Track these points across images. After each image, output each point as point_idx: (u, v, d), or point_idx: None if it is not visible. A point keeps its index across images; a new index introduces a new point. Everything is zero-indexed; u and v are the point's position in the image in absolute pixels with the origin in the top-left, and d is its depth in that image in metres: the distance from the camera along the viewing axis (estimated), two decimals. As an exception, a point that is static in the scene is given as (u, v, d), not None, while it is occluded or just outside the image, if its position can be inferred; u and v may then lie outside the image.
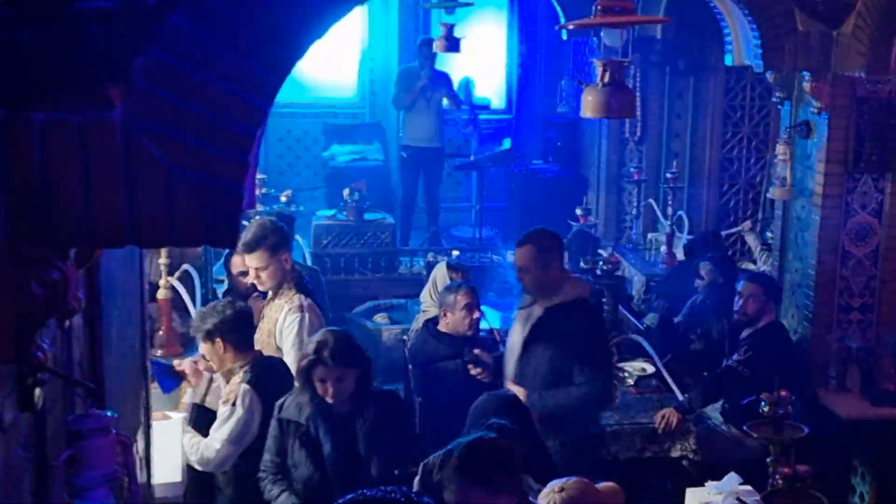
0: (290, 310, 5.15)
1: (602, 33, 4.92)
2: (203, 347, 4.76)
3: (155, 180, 1.81)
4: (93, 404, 2.16)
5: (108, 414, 2.14)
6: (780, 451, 3.84)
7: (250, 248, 5.21)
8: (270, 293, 5.34)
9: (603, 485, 3.52)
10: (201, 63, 1.79)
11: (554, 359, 4.92)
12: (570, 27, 4.29)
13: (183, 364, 4.93)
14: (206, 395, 4.90)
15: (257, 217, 7.47)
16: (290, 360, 5.07)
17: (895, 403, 5.80)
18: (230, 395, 4.53)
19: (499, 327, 7.14)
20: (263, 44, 1.81)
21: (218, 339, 4.59)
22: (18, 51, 1.74)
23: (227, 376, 4.64)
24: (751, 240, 8.37)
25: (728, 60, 6.19)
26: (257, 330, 5.10)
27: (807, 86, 5.81)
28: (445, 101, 10.42)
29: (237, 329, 4.61)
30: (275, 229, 5.32)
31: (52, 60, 1.75)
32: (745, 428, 4.10)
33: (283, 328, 5.14)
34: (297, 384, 4.42)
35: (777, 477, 3.56)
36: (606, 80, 4.06)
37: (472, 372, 5.42)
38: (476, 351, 5.50)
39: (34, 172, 1.80)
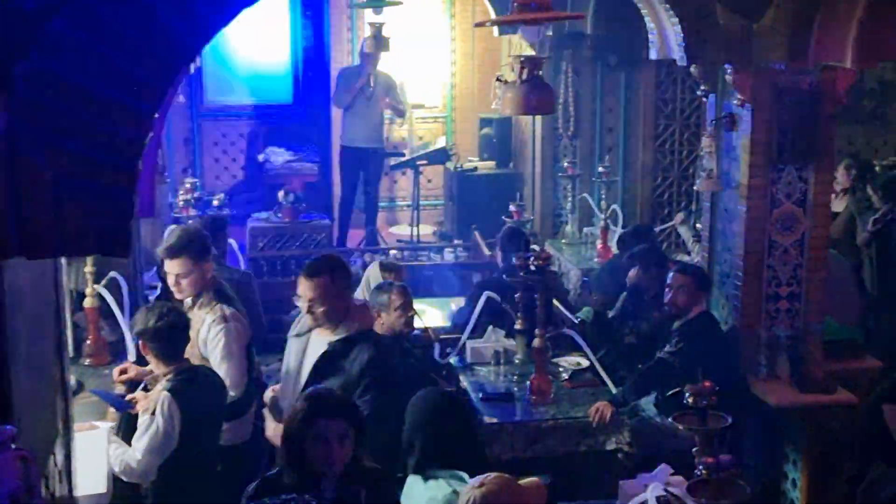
0: (213, 321, 5.08)
1: (519, 30, 4.94)
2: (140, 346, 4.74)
3: (41, 190, 1.77)
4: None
5: (8, 428, 2.10)
6: (704, 441, 3.88)
7: (173, 253, 5.15)
8: (189, 302, 5.27)
9: (526, 480, 3.53)
10: (86, 69, 1.76)
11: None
12: (488, 24, 4.28)
13: (136, 396, 4.85)
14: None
15: (190, 221, 7.44)
16: (223, 372, 5.03)
17: (824, 390, 5.88)
18: (151, 404, 4.47)
19: (434, 326, 7.16)
20: (149, 49, 1.79)
21: (141, 343, 4.57)
22: None
23: (153, 384, 4.60)
24: (684, 231, 8.45)
25: (652, 54, 6.23)
26: None
27: (729, 78, 5.87)
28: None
29: (163, 339, 4.56)
30: (199, 236, 5.26)
31: (-72, 69, 1.72)
32: (669, 419, 4.14)
33: (207, 339, 5.08)
34: (279, 460, 3.83)
35: (701, 467, 3.59)
36: (524, 76, 4.07)
37: None
38: None
39: (-85, 184, 1.76)
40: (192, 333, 5.08)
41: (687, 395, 3.90)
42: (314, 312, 4.82)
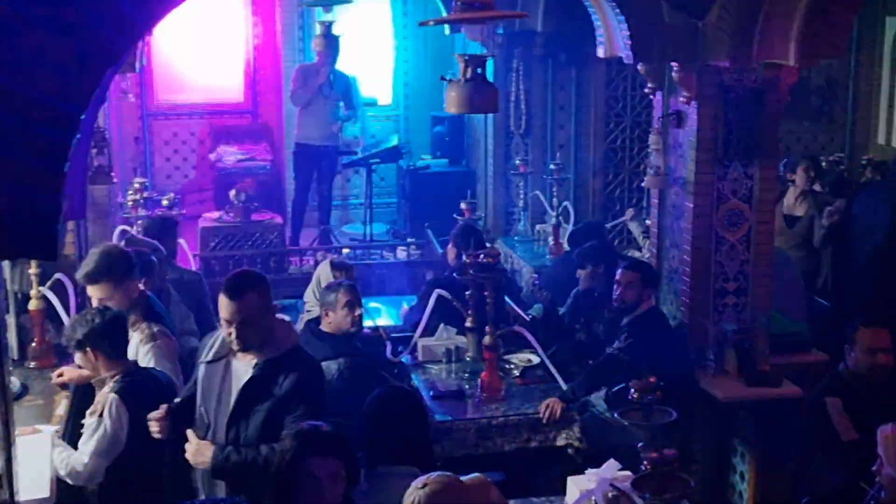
0: (141, 340, 5.00)
1: (463, 29, 4.94)
2: (77, 357, 4.66)
3: (-35, 193, 1.75)
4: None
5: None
6: (649, 436, 3.92)
7: (92, 279, 5.00)
8: None
9: (469, 477, 3.53)
10: (10, 71, 1.74)
11: (270, 416, 4.27)
12: (432, 23, 4.29)
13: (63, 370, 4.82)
14: None
15: (123, 226, 7.37)
16: None
17: (770, 383, 5.96)
18: (97, 406, 4.43)
19: (386, 325, 7.16)
20: (75, 51, 1.77)
21: (88, 349, 4.49)
22: None
23: (100, 386, 4.55)
24: (634, 228, 8.51)
25: (600, 52, 6.28)
26: None
27: (675, 76, 5.93)
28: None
29: (107, 337, 4.51)
30: (120, 257, 5.11)
31: None
32: (615, 415, 4.17)
33: (137, 359, 5.02)
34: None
35: (645, 462, 3.62)
36: (468, 75, 4.08)
37: None
38: None
39: None
40: None
41: (632, 390, 3.92)
42: (242, 336, 4.21)
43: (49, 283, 5.61)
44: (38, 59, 1.76)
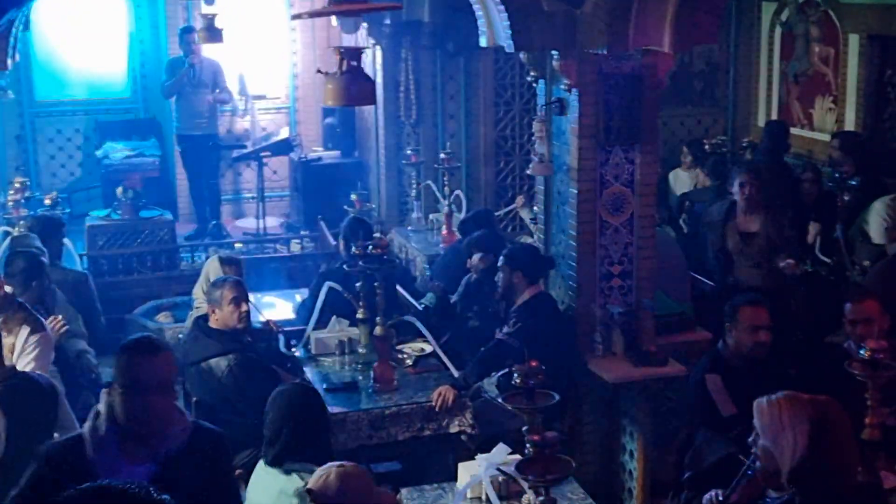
0: (30, 331, 4.97)
1: (337, 21, 4.93)
2: None
3: None
4: None
5: None
6: (531, 419, 3.98)
7: None
8: None
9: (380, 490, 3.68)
10: None
11: None
12: (305, 16, 4.27)
13: None
14: None
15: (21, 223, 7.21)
16: None
17: (656, 363, 6.09)
18: None
19: (279, 318, 7.13)
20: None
21: None
22: None
23: None
24: (524, 214, 8.62)
25: (482, 42, 6.33)
26: None
27: (556, 64, 6.00)
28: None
29: None
30: None
31: None
32: (499, 399, 4.23)
33: (21, 353, 4.93)
34: None
35: (528, 445, 3.68)
36: (345, 67, 4.08)
37: None
38: None
39: None
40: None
41: (516, 375, 3.98)
42: None
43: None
44: None
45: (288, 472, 4.12)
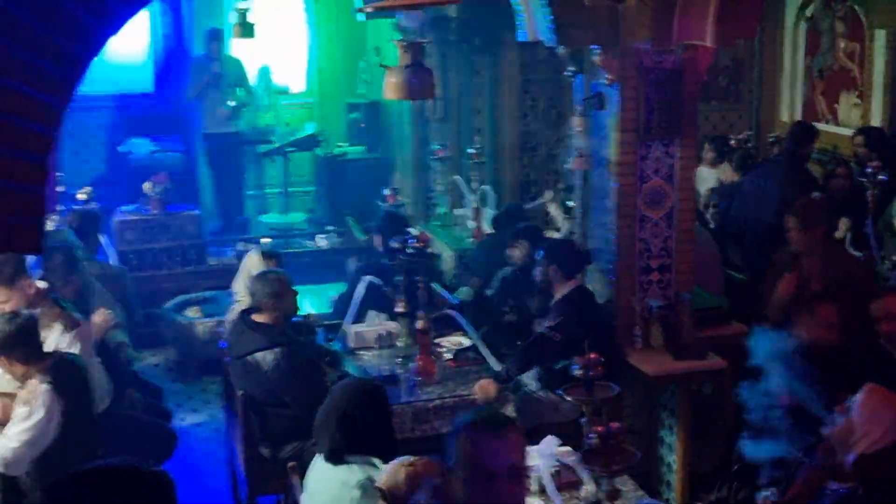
0: (65, 327, 5.00)
1: (400, 16, 4.97)
2: None
3: (-53, 187, 1.73)
4: None
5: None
6: (592, 411, 4.01)
7: None
8: None
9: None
10: (-9, 63, 1.71)
11: None
12: (369, 10, 4.30)
13: None
14: None
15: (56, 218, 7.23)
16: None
17: (695, 356, 6.11)
18: (28, 396, 4.37)
19: (315, 311, 7.16)
20: (57, 42, 1.76)
21: (2, 357, 4.42)
22: None
23: (24, 380, 4.47)
24: (553, 209, 8.63)
25: (521, 36, 6.34)
26: None
27: (597, 59, 6.02)
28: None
29: (22, 343, 4.45)
30: (5, 260, 5.09)
31: None
32: (559, 391, 4.25)
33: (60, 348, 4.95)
34: None
35: (592, 436, 3.71)
36: (407, 61, 4.11)
37: None
38: None
39: None
40: None
41: (576, 367, 4.01)
42: None
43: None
44: (22, 50, 1.74)
45: (349, 464, 4.14)
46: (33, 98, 1.77)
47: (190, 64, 10.50)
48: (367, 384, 4.54)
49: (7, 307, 4.98)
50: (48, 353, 4.63)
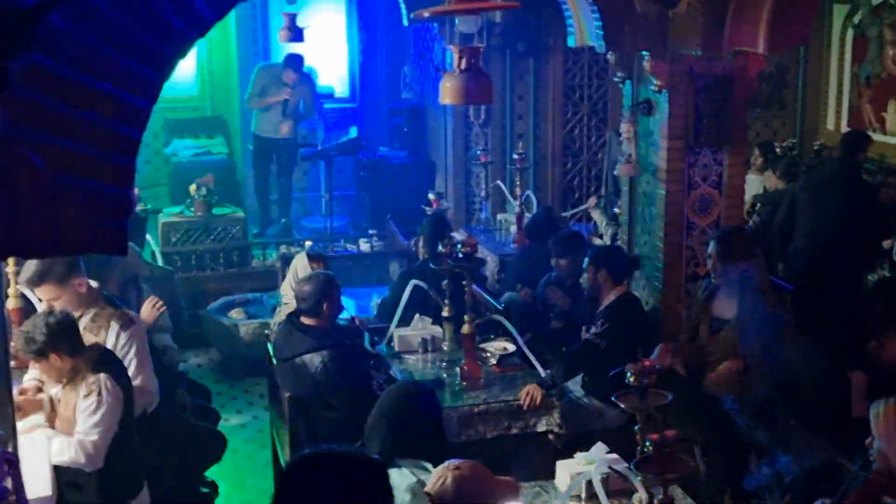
0: (121, 326, 5.00)
1: (457, 20, 4.98)
2: (38, 367, 4.60)
3: (37, 189, 1.75)
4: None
5: (-6, 432, 2.07)
6: (646, 418, 3.99)
7: (35, 282, 4.98)
8: (74, 315, 5.09)
9: (500, 479, 3.65)
10: (82, 65, 1.74)
11: None
12: (426, 15, 4.31)
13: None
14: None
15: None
16: (141, 380, 5.00)
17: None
18: (91, 388, 4.42)
19: (357, 315, 7.17)
20: (146, 44, 1.78)
21: (52, 354, 4.45)
22: None
23: (73, 374, 4.51)
24: (597, 216, 8.61)
25: (571, 42, 6.34)
26: None
27: (646, 65, 6.01)
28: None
29: (66, 337, 4.48)
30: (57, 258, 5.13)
31: (-77, 67, 1.68)
32: (612, 398, 4.24)
33: (116, 348, 4.99)
34: None
35: (646, 444, 3.70)
36: (463, 66, 4.12)
37: None
38: None
39: None
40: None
41: (629, 374, 3.99)
42: None
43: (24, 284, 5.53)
44: (110, 52, 1.76)
45: (400, 468, 4.14)
46: (124, 101, 1.79)
47: (258, 73, 10.51)
48: (418, 388, 4.55)
49: (57, 305, 5.01)
50: (90, 346, 4.66)
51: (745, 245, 5.96)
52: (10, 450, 2.67)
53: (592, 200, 8.86)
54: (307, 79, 10.35)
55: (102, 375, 4.44)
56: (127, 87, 1.78)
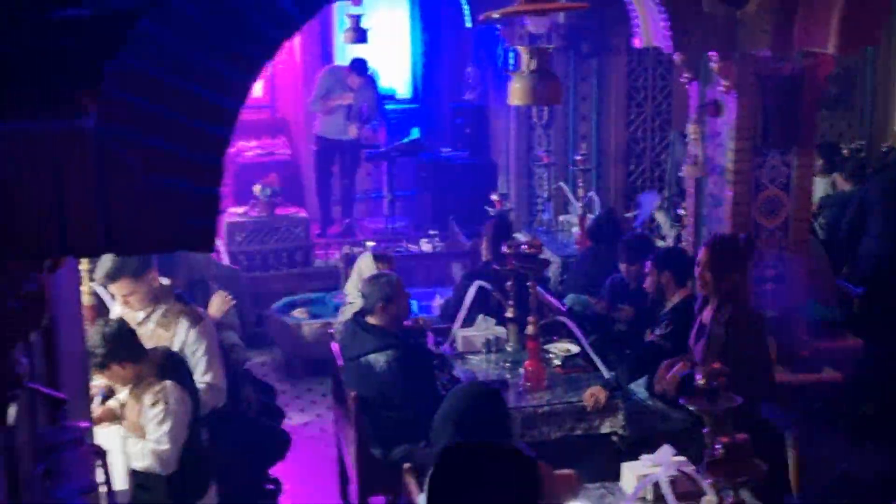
0: (190, 324, 5.08)
1: (527, 21, 4.98)
2: (103, 377, 4.67)
3: (129, 187, 1.79)
4: (64, 416, 2.13)
5: (83, 425, 2.12)
6: (715, 421, 3.96)
7: (112, 277, 5.05)
8: (142, 314, 5.17)
9: (560, 472, 3.63)
10: (173, 67, 1.77)
11: None
12: (496, 16, 4.32)
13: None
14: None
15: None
16: (211, 377, 5.06)
17: (811, 369, 6.02)
18: (157, 397, 4.48)
19: (420, 315, 7.21)
20: (235, 46, 1.81)
21: (113, 365, 4.52)
22: (-14, 61, 1.71)
23: (138, 380, 4.57)
24: (660, 217, 8.55)
25: (636, 43, 6.31)
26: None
27: (714, 66, 5.97)
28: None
29: (124, 346, 4.54)
30: None
31: (21, 69, 1.72)
32: (679, 400, 4.21)
33: (186, 345, 5.05)
34: None
35: (716, 447, 3.67)
36: (533, 67, 4.13)
37: None
38: None
39: (6, 183, 1.77)
40: (156, 342, 5.00)
41: (698, 376, 3.96)
42: None
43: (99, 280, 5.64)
44: (201, 55, 1.80)
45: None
46: (213, 102, 1.82)
47: (322, 76, 10.59)
48: (485, 388, 4.56)
49: (132, 300, 5.09)
50: (150, 350, 4.72)
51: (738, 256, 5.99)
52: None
53: (656, 202, 8.79)
54: (371, 82, 10.42)
55: (168, 383, 4.49)
56: (216, 89, 1.82)
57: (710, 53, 5.97)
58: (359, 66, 10.24)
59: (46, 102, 1.75)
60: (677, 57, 6.18)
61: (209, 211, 1.85)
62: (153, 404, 4.51)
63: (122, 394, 4.68)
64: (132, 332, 4.68)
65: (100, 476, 2.20)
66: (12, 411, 1.94)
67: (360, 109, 10.35)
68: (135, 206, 1.81)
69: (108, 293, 5.50)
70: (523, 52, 4.21)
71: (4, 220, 1.78)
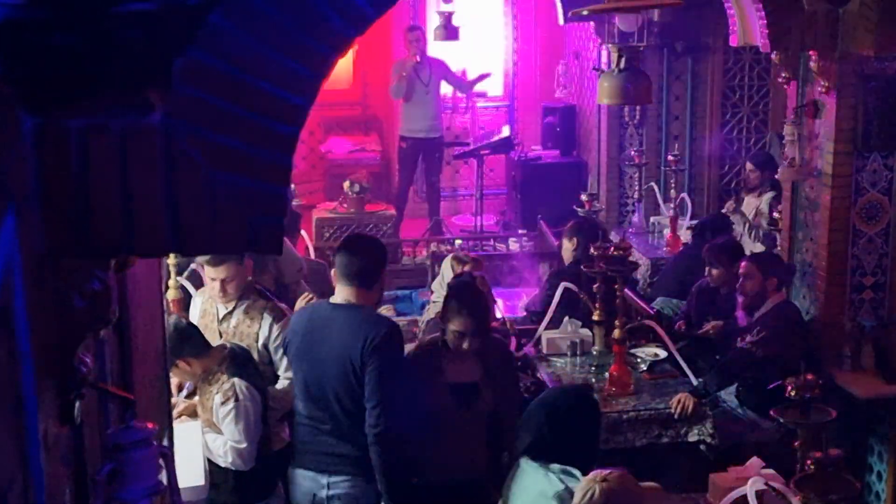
0: (274, 318, 5.04)
1: (617, 18, 4.88)
2: (173, 374, 4.66)
3: (197, 185, 1.75)
4: (132, 416, 2.11)
5: (150, 426, 2.10)
6: (807, 435, 3.81)
7: (218, 260, 5.02)
8: (223, 310, 5.17)
9: (646, 484, 3.53)
10: (242, 63, 1.73)
11: None
12: (585, 13, 4.23)
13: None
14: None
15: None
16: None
17: (911, 381, 5.79)
18: (227, 394, 4.48)
19: (509, 316, 7.13)
20: (305, 42, 1.76)
21: (180, 362, 4.53)
22: (55, 55, 1.69)
23: (206, 375, 4.58)
24: (738, 220, 8.30)
25: (732, 41, 6.14)
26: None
27: (813, 65, 5.77)
28: (445, 88, 10.42)
29: (189, 341, 4.54)
30: None
31: (89, 64, 1.70)
32: (771, 412, 4.07)
33: (270, 340, 5.05)
34: None
35: (808, 462, 3.52)
36: (622, 65, 4.02)
37: None
38: None
39: (72, 181, 1.75)
40: (239, 337, 5.02)
41: (790, 387, 3.82)
42: None
43: (186, 274, 5.70)
44: (271, 51, 1.75)
45: (548, 473, 4.07)
46: (283, 99, 1.78)
47: (394, 65, 10.64)
48: (582, 389, 4.49)
49: (230, 287, 5.09)
50: (216, 347, 4.72)
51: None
52: (164, 443, 2.72)
53: (730, 204, 8.55)
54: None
55: (237, 380, 4.50)
56: (286, 86, 1.77)
57: (809, 52, 5.77)
58: (410, 29, 10.22)
59: (113, 98, 1.72)
60: (775, 56, 5.99)
61: (276, 211, 1.81)
62: (224, 402, 4.51)
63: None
64: (193, 328, 4.70)
65: (164, 478, 2.18)
66: (78, 410, 1.92)
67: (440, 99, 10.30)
68: (201, 205, 1.77)
69: (192, 286, 5.55)
70: (612, 50, 4.11)
71: (69, 218, 1.76)
